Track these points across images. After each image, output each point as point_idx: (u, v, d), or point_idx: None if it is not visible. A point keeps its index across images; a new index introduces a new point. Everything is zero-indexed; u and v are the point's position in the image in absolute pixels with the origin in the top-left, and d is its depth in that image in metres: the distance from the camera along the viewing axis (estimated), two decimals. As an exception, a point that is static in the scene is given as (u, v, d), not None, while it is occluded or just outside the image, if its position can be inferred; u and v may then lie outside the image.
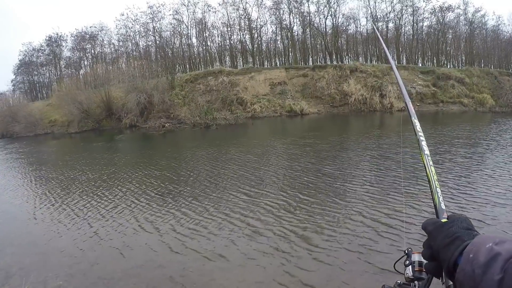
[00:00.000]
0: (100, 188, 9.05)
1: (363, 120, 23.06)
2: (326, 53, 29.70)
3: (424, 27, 36.14)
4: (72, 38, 36.32)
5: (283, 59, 29.37)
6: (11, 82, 42.98)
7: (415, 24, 34.16)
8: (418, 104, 28.60)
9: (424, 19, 35.66)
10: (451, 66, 36.95)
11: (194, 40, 28.71)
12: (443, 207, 0.73)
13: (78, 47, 35.19)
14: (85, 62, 35.74)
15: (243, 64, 29.29)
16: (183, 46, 28.21)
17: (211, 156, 12.08)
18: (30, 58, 39.88)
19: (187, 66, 29.46)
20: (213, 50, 29.07)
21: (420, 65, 34.16)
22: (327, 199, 6.39)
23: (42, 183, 10.41)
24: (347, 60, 31.51)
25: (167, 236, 5.52)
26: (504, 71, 36.86)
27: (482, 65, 38.49)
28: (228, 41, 28.51)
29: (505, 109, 28.79)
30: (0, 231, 6.51)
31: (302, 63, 28.91)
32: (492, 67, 37.99)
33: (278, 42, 29.83)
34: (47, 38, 38.05)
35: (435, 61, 36.05)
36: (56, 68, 38.06)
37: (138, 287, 4.15)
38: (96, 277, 4.51)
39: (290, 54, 29.11)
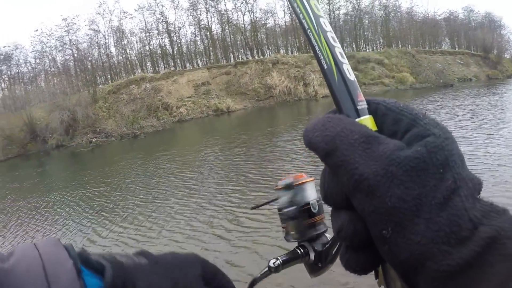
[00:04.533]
0: (35, 216, 8.89)
1: (289, 110, 24.30)
2: (247, 48, 30.70)
3: (341, 15, 38.57)
4: (-15, 60, 33.94)
5: (205, 59, 29.99)
6: None
7: (331, 13, 36.34)
8: (341, 88, 30.58)
9: (340, 7, 38.04)
10: (370, 49, 39.81)
11: (112, 49, 28.38)
12: (352, 76, 0.31)
13: (-8, 69, 32.97)
14: (2, 85, 33.62)
15: (164, 68, 29.43)
16: (102, 57, 27.70)
17: (145, 166, 12.33)
18: None
19: (109, 76, 28.99)
20: (133, 57, 28.96)
21: (341, 51, 36.28)
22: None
23: None
24: (268, 53, 32.83)
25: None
26: (421, 49, 40.47)
27: (400, 46, 41.70)
28: (147, 46, 28.57)
29: (425, 84, 31.57)
30: None
31: (224, 61, 29.64)
32: (409, 47, 41.34)
33: (198, 43, 30.43)
34: (-44, 63, 35.18)
35: (354, 46, 38.64)
36: (-29, 94, 35.33)
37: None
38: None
39: (211, 53, 29.76)
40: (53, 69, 28.41)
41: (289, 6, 0.36)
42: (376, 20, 41.97)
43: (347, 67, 0.32)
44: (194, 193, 7.65)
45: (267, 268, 0.41)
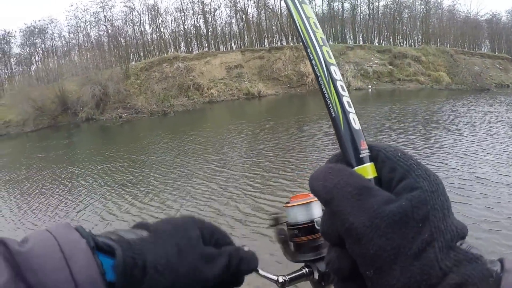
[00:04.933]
0: (59, 186, 8.86)
1: (320, 100, 23.21)
2: (282, 34, 29.88)
3: (380, 7, 37.04)
4: (21, 33, 34.65)
5: (239, 42, 29.35)
6: (-40, 85, 40.58)
7: (370, 4, 34.95)
8: (375, 83, 29.33)
9: (380, -1, 36.51)
10: (408, 45, 38.10)
11: (147, 27, 28.19)
12: (357, 125, 0.35)
13: (27, 42, 33.63)
14: (36, 58, 34.28)
15: (198, 49, 29.05)
16: (136, 34, 27.60)
17: (171, 144, 12.11)
18: (-21, 58, 37.77)
19: (141, 54, 28.89)
20: (167, 36, 28.66)
21: (377, 44, 35.08)
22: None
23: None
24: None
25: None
26: (460, 49, 38.39)
27: (438, 44, 39.82)
28: (182, 26, 28.18)
29: (461, 86, 29.86)
30: None
31: (258, 45, 28.96)
32: (448, 46, 39.36)
33: (233, 25, 29.79)
34: (-6, 36, 36.16)
35: (391, 40, 37.08)
36: (6, 66, 36.24)
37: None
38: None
39: (246, 36, 29.10)
40: (86, 44, 28.69)
41: (304, 50, 0.37)
42: (416, 15, 40.13)
43: (353, 117, 0.34)
44: (216, 175, 7.56)
45: (275, 283, 0.44)
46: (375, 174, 0.32)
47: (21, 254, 0.28)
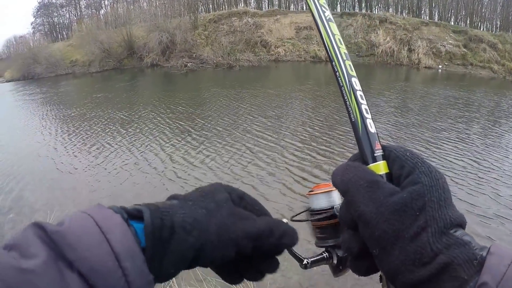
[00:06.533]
0: (121, 126, 9.13)
1: (387, 73, 22.47)
2: (356, 0, 28.41)
3: (460, -17, 33.98)
4: (92, -23, 35.48)
5: (310, 3, 28.14)
6: (31, 24, 42.75)
7: (450, -20, 32.14)
8: (446, 64, 27.50)
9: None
10: (485, 29, 35.09)
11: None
12: (373, 129, 0.41)
13: (98, -14, 34.44)
14: (106, 2, 35.16)
15: (268, 6, 28.34)
16: (206, -15, 27.35)
17: (229, 98, 12.10)
18: (50, 0, 39.34)
19: (210, 6, 28.68)
20: (237, -11, 28.05)
21: (453, 23, 32.60)
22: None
23: (64, 122, 10.50)
24: (376, 10, 30.16)
25: (189, 176, 5.69)
26: (542, 44, 34.84)
27: (517, 33, 36.28)
28: (253, -19, 27.30)
29: None
30: (23, 169, 6.64)
31: (330, 8, 27.74)
32: (528, 37, 35.81)
33: (306, -15, 28.22)
34: (66, -22, 37.31)
35: (468, 21, 34.22)
36: (76, 8, 37.59)
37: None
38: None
39: (318, -2, 27.89)
40: (156, -9, 28.84)
41: (329, 62, 0.43)
42: (498, -1, 36.53)
43: (369, 122, 0.41)
44: (271, 135, 7.48)
45: (300, 263, 0.48)
46: (387, 170, 0.38)
47: (58, 233, 0.29)
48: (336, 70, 0.43)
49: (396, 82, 16.79)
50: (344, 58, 0.43)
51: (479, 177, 5.39)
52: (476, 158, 6.25)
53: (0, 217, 4.86)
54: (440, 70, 25.58)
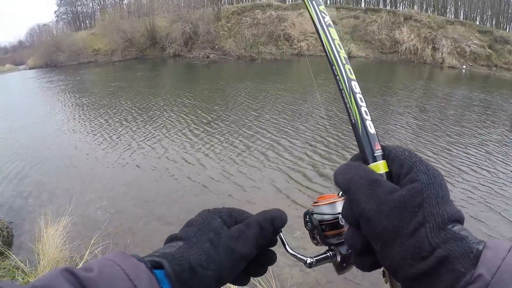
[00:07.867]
0: (141, 116, 9.21)
1: (411, 71, 22.19)
2: (381, -4, 28.13)
3: (487, -17, 33.18)
4: (116, -33, 35.83)
5: (334, -2, 28.04)
6: (54, 13, 43.70)
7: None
8: (470, 64, 27.00)
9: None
10: (511, 30, 34.25)
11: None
12: (372, 130, 0.42)
13: (122, -24, 34.78)
14: (129, -8, 35.47)
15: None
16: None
17: (251, 90, 12.10)
18: (73, -12, 39.96)
19: (234, -2, 28.79)
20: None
21: (478, 23, 31.91)
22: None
23: (86, 110, 10.63)
24: (401, 6, 29.76)
25: (207, 165, 5.80)
26: None
27: (544, 36, 35.25)
28: (278, -26, 27.11)
29: None
30: (45, 156, 6.74)
31: (354, 3, 27.56)
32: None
33: (331, -21, 28.23)
34: (91, -33, 37.77)
35: (494, 21, 33.45)
36: (99, -2, 38.11)
37: (177, 211, 4.42)
38: (137, 200, 4.71)
39: (342, -7, 27.72)
40: (180, -18, 28.93)
41: (329, 66, 0.44)
42: (527, -1, 35.54)
43: (369, 123, 0.42)
44: (287, 128, 7.54)
45: (303, 263, 0.49)
46: (387, 169, 0.39)
47: (90, 280, 0.31)
48: (336, 74, 0.44)
49: (419, 81, 16.56)
50: (344, 62, 0.44)
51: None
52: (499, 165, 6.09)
53: (20, 201, 4.95)
54: (463, 71, 25.14)
